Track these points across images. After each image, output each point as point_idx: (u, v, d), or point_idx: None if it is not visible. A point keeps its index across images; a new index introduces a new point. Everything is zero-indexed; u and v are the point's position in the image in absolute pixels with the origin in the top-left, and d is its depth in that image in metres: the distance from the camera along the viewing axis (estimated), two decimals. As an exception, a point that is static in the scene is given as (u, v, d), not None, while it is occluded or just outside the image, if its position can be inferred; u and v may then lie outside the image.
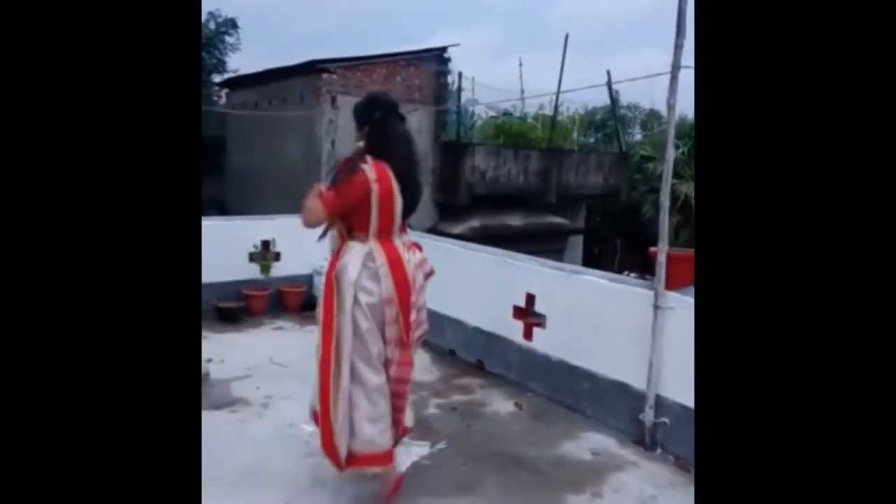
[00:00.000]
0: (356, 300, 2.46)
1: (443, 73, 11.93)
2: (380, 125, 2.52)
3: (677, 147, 10.29)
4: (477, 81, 12.90)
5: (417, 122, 11.44)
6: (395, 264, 2.50)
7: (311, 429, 3.54)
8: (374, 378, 2.53)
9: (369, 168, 2.43)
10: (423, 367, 4.73)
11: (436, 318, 5.18)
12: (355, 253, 2.50)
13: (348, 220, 2.53)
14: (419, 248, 2.68)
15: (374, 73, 10.95)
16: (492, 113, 17.10)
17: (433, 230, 10.40)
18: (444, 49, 11.82)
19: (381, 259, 2.48)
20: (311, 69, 10.41)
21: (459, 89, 12.59)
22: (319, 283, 6.32)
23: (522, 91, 14.98)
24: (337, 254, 2.58)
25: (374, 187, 2.42)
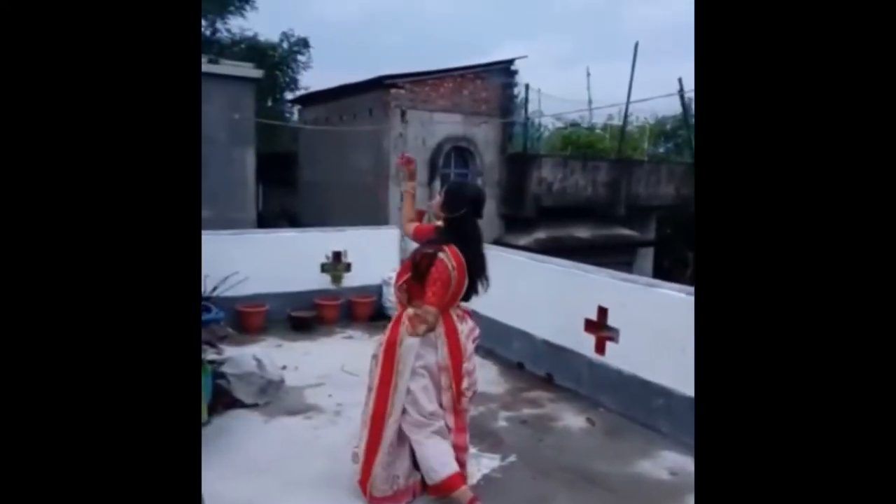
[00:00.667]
0: (414, 366, 2.70)
1: (509, 85, 11.94)
2: (463, 219, 2.78)
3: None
4: (544, 93, 12.83)
5: (484, 134, 11.49)
6: (451, 334, 2.75)
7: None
8: (433, 424, 2.76)
9: (447, 256, 2.68)
10: (490, 379, 4.71)
11: (502, 330, 5.17)
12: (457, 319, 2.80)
13: (412, 294, 2.79)
14: (470, 315, 2.93)
15: (441, 87, 11.09)
16: (559, 124, 16.96)
17: (498, 242, 10.38)
18: (510, 62, 11.84)
19: (440, 329, 2.73)
20: (380, 84, 10.65)
21: (526, 101, 12.56)
22: (388, 293, 6.45)
23: (590, 101, 14.78)
24: (398, 320, 2.80)
25: (454, 274, 2.68)
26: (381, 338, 2.88)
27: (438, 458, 2.70)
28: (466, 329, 2.83)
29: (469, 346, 2.83)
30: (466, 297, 2.86)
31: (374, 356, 2.86)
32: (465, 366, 2.77)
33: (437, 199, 2.88)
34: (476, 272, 2.82)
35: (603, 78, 30.24)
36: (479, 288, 2.88)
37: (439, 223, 2.85)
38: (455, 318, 2.81)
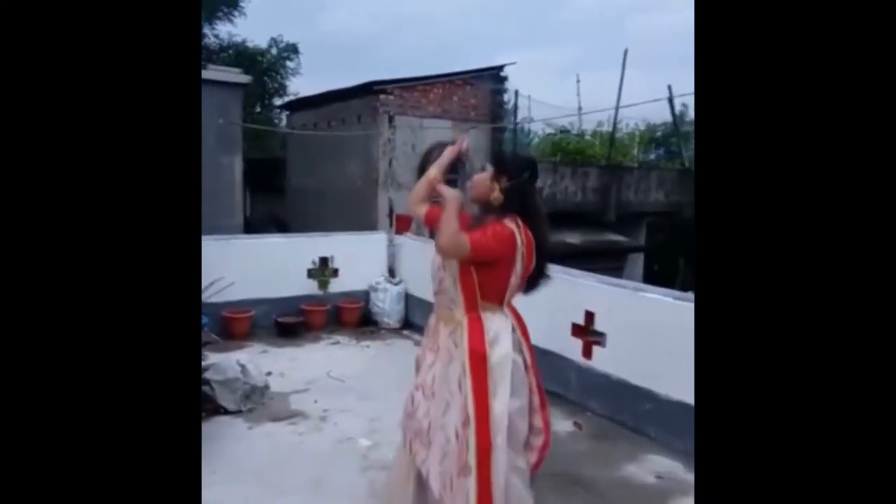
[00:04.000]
0: (512, 376, 2.11)
1: (499, 91, 11.97)
2: (523, 188, 2.16)
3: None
4: (534, 99, 12.90)
5: (474, 140, 11.50)
6: (525, 332, 2.27)
7: (367, 443, 3.56)
8: (521, 461, 2.20)
9: (515, 227, 2.10)
10: (479, 384, 4.68)
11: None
12: (501, 324, 2.17)
13: (481, 284, 2.14)
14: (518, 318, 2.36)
15: (430, 94, 11.09)
16: (549, 130, 17.03)
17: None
18: (500, 68, 11.86)
19: (517, 328, 2.23)
20: (369, 90, 10.64)
21: (516, 107, 12.60)
22: (376, 298, 6.43)
23: (580, 108, 14.86)
24: (477, 326, 2.14)
25: (522, 249, 2.10)
26: (423, 348, 2.28)
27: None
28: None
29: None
30: (530, 288, 2.27)
31: (439, 377, 2.17)
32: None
33: (482, 173, 2.20)
34: (543, 256, 2.21)
35: (604, 86, 30.51)
36: (542, 279, 2.27)
37: (477, 209, 2.25)
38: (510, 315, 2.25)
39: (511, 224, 2.09)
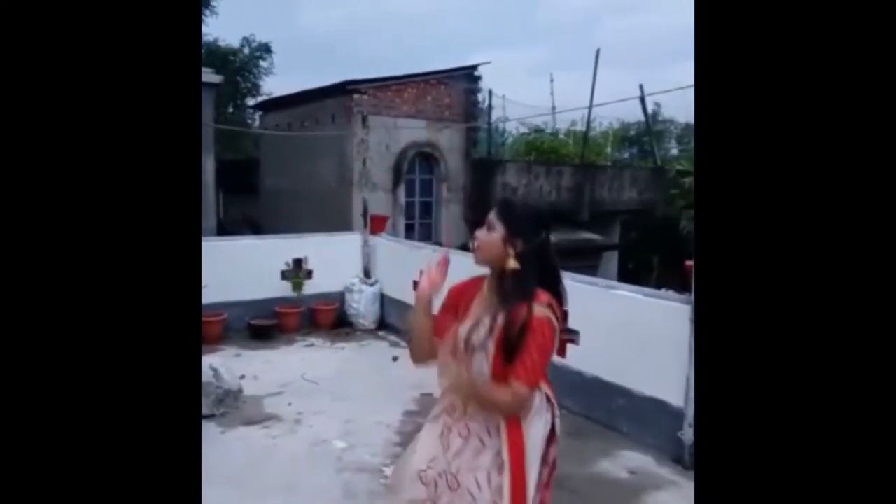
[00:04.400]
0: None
1: (473, 91, 11.99)
2: (543, 247, 1.86)
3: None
4: (508, 98, 12.90)
5: (448, 140, 11.51)
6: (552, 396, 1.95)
7: (342, 445, 3.55)
8: None
9: (551, 313, 1.76)
10: (454, 383, 4.69)
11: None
12: (537, 404, 1.86)
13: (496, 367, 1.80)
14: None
15: (405, 93, 11.06)
16: (523, 130, 17.11)
17: (465, 248, 10.39)
18: (474, 67, 11.88)
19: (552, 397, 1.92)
20: (343, 90, 10.57)
21: (490, 107, 12.63)
22: (351, 300, 6.39)
23: (554, 107, 14.96)
24: (516, 418, 1.79)
25: (558, 337, 1.81)
26: (444, 426, 1.88)
27: None
28: None
29: None
30: None
31: (465, 467, 1.83)
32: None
33: (491, 231, 1.83)
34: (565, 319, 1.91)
35: (579, 86, 30.70)
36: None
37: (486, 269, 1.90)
38: None
39: (547, 312, 1.75)
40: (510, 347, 1.72)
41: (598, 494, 3.09)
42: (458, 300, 1.92)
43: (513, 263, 1.81)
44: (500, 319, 1.75)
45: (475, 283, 1.92)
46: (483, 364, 1.77)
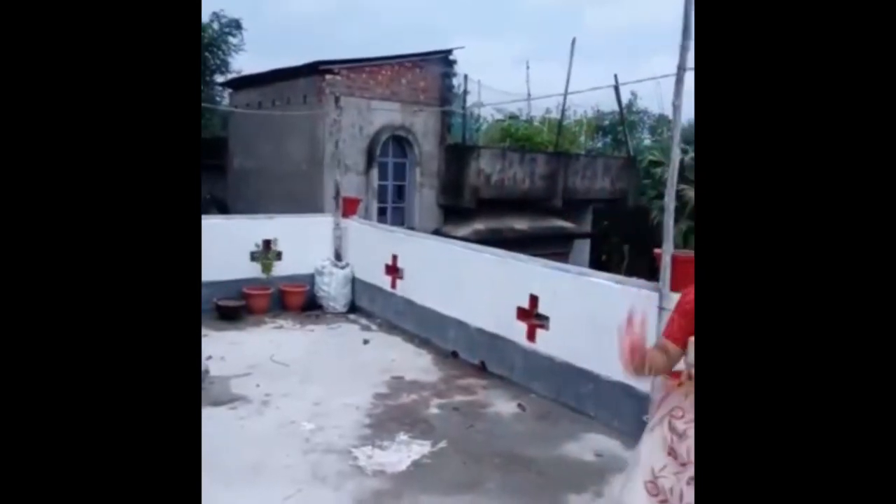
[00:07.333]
0: None
1: (448, 75, 11.90)
2: None
3: (685, 151, 10.24)
4: (484, 84, 12.87)
5: (423, 124, 11.44)
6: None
7: (310, 426, 3.52)
8: None
9: None
10: (424, 367, 4.69)
11: (438, 319, 5.15)
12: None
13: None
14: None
15: (379, 75, 10.92)
16: (498, 116, 17.07)
17: (438, 232, 10.37)
18: (449, 52, 11.79)
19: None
20: (315, 70, 10.39)
21: (465, 92, 12.57)
22: (321, 282, 6.33)
23: (529, 94, 14.94)
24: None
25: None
26: (673, 419, 1.89)
27: None
28: None
29: None
30: None
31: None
32: None
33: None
34: None
35: (557, 77, 30.73)
36: None
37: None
38: None
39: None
40: None
41: (565, 475, 3.13)
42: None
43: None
44: None
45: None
46: None
